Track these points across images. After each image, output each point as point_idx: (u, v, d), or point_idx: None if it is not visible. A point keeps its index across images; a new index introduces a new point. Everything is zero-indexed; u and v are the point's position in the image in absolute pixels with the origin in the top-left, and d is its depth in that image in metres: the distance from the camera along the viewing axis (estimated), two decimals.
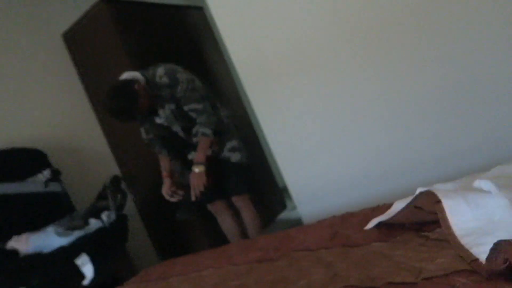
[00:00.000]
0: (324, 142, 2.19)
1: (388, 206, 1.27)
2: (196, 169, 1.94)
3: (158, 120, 2.03)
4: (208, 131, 1.98)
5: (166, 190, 2.03)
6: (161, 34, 2.95)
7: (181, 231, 2.68)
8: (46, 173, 2.28)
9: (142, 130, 2.09)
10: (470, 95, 1.75)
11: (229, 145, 2.13)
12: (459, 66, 1.74)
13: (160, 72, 1.94)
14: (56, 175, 2.32)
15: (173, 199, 2.04)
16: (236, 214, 2.25)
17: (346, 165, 2.15)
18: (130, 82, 1.88)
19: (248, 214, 2.19)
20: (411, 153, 1.95)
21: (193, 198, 1.95)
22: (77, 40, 2.82)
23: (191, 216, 2.08)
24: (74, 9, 2.95)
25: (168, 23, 3.06)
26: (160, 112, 1.98)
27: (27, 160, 2.26)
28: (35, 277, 1.66)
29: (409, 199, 1.08)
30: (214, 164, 2.09)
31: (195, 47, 3.24)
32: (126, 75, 1.93)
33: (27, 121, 2.49)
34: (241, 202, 2.17)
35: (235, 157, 2.13)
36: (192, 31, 3.28)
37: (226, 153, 2.12)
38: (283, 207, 3.48)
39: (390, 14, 1.84)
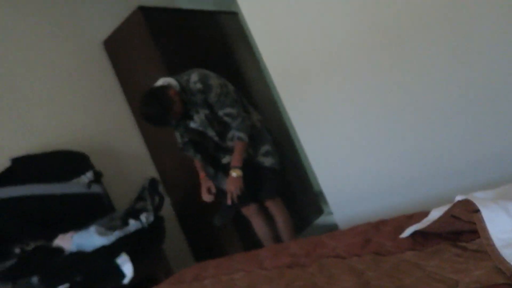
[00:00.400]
0: (359, 147, 2.16)
1: (424, 214, 1.24)
2: (234, 174, 1.99)
3: (193, 125, 2.07)
4: (243, 135, 2.01)
5: (204, 190, 2.08)
6: (196, 40, 3.02)
7: (216, 234, 2.72)
8: (89, 175, 2.39)
9: (177, 135, 2.15)
10: (507, 96, 1.68)
11: (262, 149, 2.14)
12: (491, 68, 1.68)
13: (194, 78, 1.98)
14: (98, 177, 2.43)
15: (210, 200, 2.07)
16: (269, 218, 2.26)
17: (382, 169, 2.11)
18: (165, 88, 1.93)
19: (281, 218, 2.19)
20: (448, 158, 1.89)
21: (229, 202, 1.99)
22: (116, 47, 2.94)
23: (228, 221, 2.12)
24: (114, 17, 3.09)
25: (203, 28, 3.13)
26: (195, 117, 2.02)
27: (72, 162, 2.39)
28: (79, 274, 1.75)
29: (446, 208, 1.05)
30: (248, 168, 2.11)
31: (229, 52, 3.29)
32: (161, 81, 1.99)
33: (72, 125, 2.62)
34: (274, 206, 2.18)
35: (268, 161, 2.14)
36: (226, 36, 3.33)
37: (259, 158, 2.14)
38: (320, 212, 3.45)
39: (422, 21, 1.80)
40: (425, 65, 1.85)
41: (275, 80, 2.37)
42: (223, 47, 3.24)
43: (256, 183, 2.14)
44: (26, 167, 2.20)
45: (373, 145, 2.10)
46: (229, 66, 3.20)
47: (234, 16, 3.52)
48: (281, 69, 2.32)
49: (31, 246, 1.90)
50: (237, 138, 2.02)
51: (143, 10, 2.73)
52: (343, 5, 2.02)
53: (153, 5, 2.99)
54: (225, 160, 2.17)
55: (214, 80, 2.00)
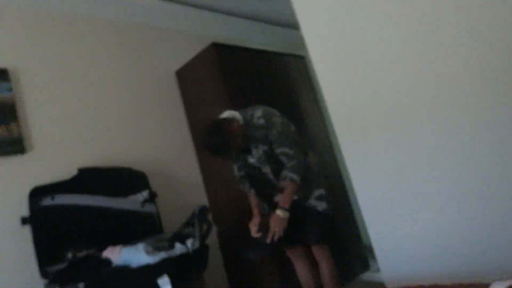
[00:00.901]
0: (418, 205, 2.06)
1: (484, 286, 1.15)
2: (280, 213, 1.97)
3: (251, 160, 2.11)
4: (296, 177, 2.00)
5: (254, 224, 2.07)
6: (263, 78, 3.13)
7: (257, 271, 2.68)
8: (144, 194, 2.49)
9: (235, 167, 2.19)
10: None
11: (316, 193, 2.12)
12: None
13: (258, 113, 2.03)
14: (152, 197, 2.53)
15: (258, 235, 2.06)
16: (314, 264, 2.20)
17: (439, 232, 1.99)
18: (229, 120, 2.00)
19: (326, 266, 2.12)
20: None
21: (268, 240, 1.96)
22: (187, 78, 3.12)
23: (263, 258, 2.09)
24: (188, 50, 3.31)
25: (270, 68, 3.25)
26: (254, 152, 2.06)
27: (131, 180, 2.51)
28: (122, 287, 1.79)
29: (508, 283, 0.97)
30: (299, 210, 2.09)
31: (292, 93, 3.36)
32: (226, 114, 2.07)
33: (136, 145, 2.78)
34: (321, 253, 2.12)
35: (321, 206, 2.11)
36: (291, 78, 3.42)
37: (312, 201, 2.12)
38: (367, 267, 3.29)
39: (493, 73, 1.74)
40: (498, 121, 1.76)
41: (335, 126, 2.37)
42: (287, 88, 3.33)
43: (305, 226, 2.11)
44: (90, 178, 2.35)
45: (432, 205, 2.00)
46: (291, 107, 3.27)
47: (301, 60, 3.62)
48: (343, 116, 2.32)
49: (82, 253, 1.98)
50: (289, 178, 2.02)
51: (216, 46, 2.90)
52: (412, 56, 2.02)
53: (226, 42, 3.18)
54: (277, 198, 2.17)
55: (277, 118, 2.05)
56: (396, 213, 2.15)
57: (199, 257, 2.09)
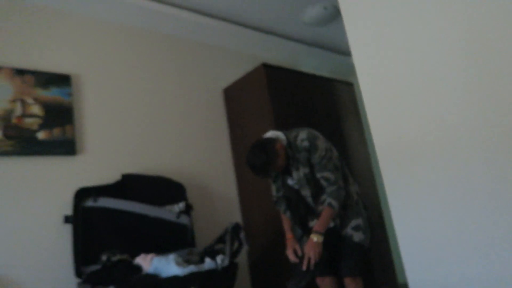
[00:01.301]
0: (462, 249, 1.94)
1: None
2: (315, 238, 1.93)
3: (290, 181, 2.10)
4: (335, 203, 1.97)
5: (291, 251, 2.04)
6: (309, 102, 3.13)
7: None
8: (181, 205, 2.54)
9: (273, 187, 2.17)
10: None
11: (354, 222, 2.06)
12: None
13: (302, 135, 2.03)
14: (188, 209, 2.56)
15: (296, 260, 2.03)
16: None
17: (482, 279, 1.85)
18: (273, 141, 2.00)
19: None
20: None
21: (304, 267, 1.91)
22: (234, 96, 3.18)
23: (303, 286, 2.02)
24: (238, 69, 3.39)
25: (317, 93, 3.24)
26: (294, 174, 2.04)
27: (170, 190, 2.57)
28: None
29: None
30: (334, 238, 2.03)
31: (338, 119, 3.33)
32: (270, 134, 2.08)
33: (178, 156, 2.85)
34: (355, 286, 2.04)
35: (358, 236, 2.04)
36: (337, 103, 3.39)
37: (349, 230, 2.06)
38: None
39: None
40: None
41: (379, 157, 2.31)
42: (333, 114, 3.30)
43: (339, 256, 2.04)
44: (132, 184, 2.43)
45: (480, 253, 1.87)
46: (335, 133, 3.23)
47: (349, 86, 3.59)
48: (387, 147, 2.26)
49: (116, 257, 2.03)
50: (327, 204, 1.98)
51: (266, 67, 2.94)
52: (463, 92, 1.94)
53: (276, 64, 3.22)
54: (312, 223, 2.13)
55: (321, 142, 2.03)
56: (436, 254, 2.03)
57: (227, 274, 2.08)
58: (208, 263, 2.05)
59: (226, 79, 3.33)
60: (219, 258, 2.07)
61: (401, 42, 2.21)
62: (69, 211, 2.21)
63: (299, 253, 2.02)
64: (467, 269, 1.92)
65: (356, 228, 2.05)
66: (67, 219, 2.18)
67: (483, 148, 1.88)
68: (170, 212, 2.48)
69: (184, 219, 2.49)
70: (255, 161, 1.95)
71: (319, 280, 2.13)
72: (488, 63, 1.87)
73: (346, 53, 4.24)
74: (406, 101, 2.19)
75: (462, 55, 1.95)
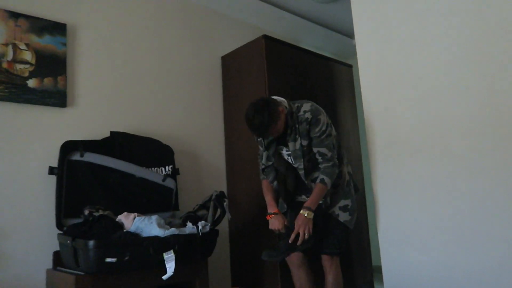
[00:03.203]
0: (439, 238, 1.99)
1: None
2: (305, 214, 1.93)
3: (284, 152, 2.09)
4: (327, 180, 1.97)
5: (278, 225, 1.99)
6: (306, 79, 3.10)
7: (259, 265, 2.68)
8: (168, 169, 2.54)
9: (264, 155, 2.12)
10: None
11: (342, 202, 2.08)
12: None
13: (306, 107, 2.00)
14: (175, 173, 2.57)
15: (281, 230, 2.00)
16: (310, 274, 2.14)
17: (450, 268, 1.92)
18: (277, 103, 1.97)
19: (334, 278, 2.07)
20: None
21: (290, 241, 1.91)
22: (231, 64, 3.14)
23: (278, 260, 2.04)
24: (238, 39, 3.34)
25: (316, 71, 3.21)
26: (290, 144, 2.02)
27: (158, 152, 2.56)
28: (128, 254, 1.83)
29: None
30: (320, 215, 2.05)
31: (333, 99, 3.32)
32: (275, 97, 2.05)
33: (169, 119, 2.83)
34: (331, 264, 2.07)
35: (344, 216, 2.06)
36: (334, 84, 3.37)
37: (336, 210, 2.07)
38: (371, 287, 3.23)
39: None
40: None
41: (368, 140, 2.33)
42: (329, 94, 3.29)
43: (321, 233, 2.07)
44: (120, 142, 2.41)
45: (455, 242, 1.92)
46: (329, 113, 3.21)
47: (348, 69, 3.57)
48: (378, 133, 2.28)
49: (99, 212, 2.04)
50: (320, 180, 1.97)
51: (266, 38, 2.89)
52: (465, 88, 1.95)
53: (277, 37, 3.17)
54: (301, 198, 2.15)
55: (324, 117, 2.02)
56: (413, 242, 2.09)
57: (207, 240, 2.11)
58: (189, 228, 2.08)
59: (225, 47, 3.27)
60: (200, 224, 2.10)
61: (406, 31, 2.19)
62: (54, 162, 2.19)
63: (284, 227, 1.99)
64: (440, 256, 1.98)
65: (344, 209, 2.07)
66: (51, 170, 2.17)
67: (469, 144, 1.90)
68: (157, 174, 2.48)
69: (170, 183, 2.50)
70: (255, 118, 1.90)
71: (292, 256, 2.12)
72: (487, 59, 1.87)
73: (349, 34, 4.19)
74: (403, 90, 2.19)
75: (464, 51, 1.94)
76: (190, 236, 2.04)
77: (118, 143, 2.41)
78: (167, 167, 2.55)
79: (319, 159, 2.00)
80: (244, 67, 3.02)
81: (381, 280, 2.35)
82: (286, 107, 1.99)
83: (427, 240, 2.04)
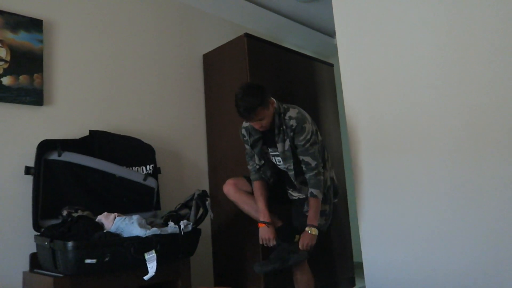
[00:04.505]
0: (420, 235, 2.02)
1: None
2: (310, 231, 1.99)
3: (272, 153, 2.10)
4: (317, 191, 2.00)
5: (268, 236, 2.03)
6: (288, 78, 3.11)
7: (242, 266, 2.67)
8: (149, 168, 2.51)
9: (256, 157, 2.13)
10: None
11: (322, 207, 2.08)
12: None
13: (292, 113, 2.00)
14: (156, 172, 2.54)
15: (269, 245, 2.06)
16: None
17: (437, 266, 1.95)
18: (269, 94, 1.99)
19: (303, 278, 2.07)
20: None
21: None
22: (213, 62, 3.12)
23: (269, 271, 2.03)
24: (219, 37, 3.32)
25: (297, 70, 3.22)
26: (279, 145, 2.02)
27: (139, 151, 2.52)
28: (108, 255, 1.80)
29: None
30: (297, 209, 2.09)
31: (314, 98, 3.34)
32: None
33: (150, 118, 2.79)
34: (299, 265, 2.06)
35: (319, 221, 2.07)
36: (316, 83, 3.39)
37: None
38: (352, 284, 3.27)
39: None
40: None
41: (350, 139, 2.35)
42: (310, 93, 3.30)
43: (293, 222, 2.10)
44: (99, 142, 2.36)
45: (437, 242, 1.96)
46: (310, 112, 3.24)
47: (329, 68, 3.59)
48: (361, 131, 2.30)
49: (78, 213, 2.00)
50: (310, 194, 2.00)
51: (248, 37, 2.89)
52: (446, 83, 1.98)
53: (259, 35, 3.17)
54: (292, 196, 2.19)
55: (309, 125, 2.01)
56: (394, 239, 2.12)
57: (189, 240, 2.09)
58: (171, 227, 2.06)
59: (207, 45, 3.25)
60: (182, 223, 2.08)
61: (388, 30, 2.21)
62: (31, 162, 2.13)
63: (274, 243, 2.04)
64: (421, 252, 2.01)
65: (321, 213, 2.07)
66: (27, 170, 2.11)
67: (450, 143, 1.94)
68: (138, 173, 2.44)
69: (151, 182, 2.46)
70: (244, 97, 1.89)
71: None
72: (470, 58, 1.91)
73: (330, 33, 4.22)
74: (384, 89, 2.22)
75: (450, 50, 1.98)
76: (172, 235, 2.02)
77: (98, 142, 2.36)
78: (148, 166, 2.52)
79: (304, 167, 2.02)
80: (226, 65, 3.00)
81: (362, 277, 2.38)
82: (274, 104, 2.01)
83: (408, 237, 2.07)
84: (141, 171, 2.48)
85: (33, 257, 2.03)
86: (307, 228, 2.00)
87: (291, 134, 1.98)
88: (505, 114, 1.75)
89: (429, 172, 2.00)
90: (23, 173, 2.12)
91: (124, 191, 2.35)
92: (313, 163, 2.00)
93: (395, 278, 2.09)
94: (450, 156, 1.92)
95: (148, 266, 1.88)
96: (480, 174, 1.82)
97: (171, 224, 2.09)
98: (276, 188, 2.20)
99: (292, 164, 2.02)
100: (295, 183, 2.07)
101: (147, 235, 1.93)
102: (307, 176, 2.01)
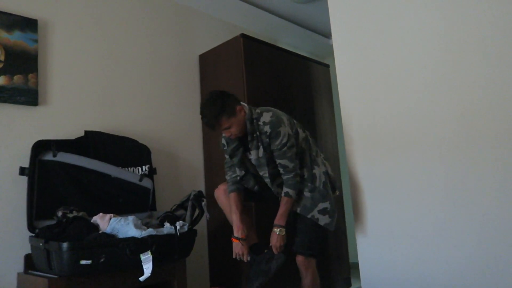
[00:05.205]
0: (416, 235, 2.03)
1: None
2: (277, 232, 1.96)
3: (249, 156, 2.07)
4: (292, 192, 1.97)
5: (242, 251, 2.02)
6: (283, 78, 3.12)
7: (238, 266, 2.67)
8: (144, 168, 2.50)
9: (237, 169, 2.10)
10: None
11: (321, 205, 2.01)
12: None
13: (266, 118, 1.95)
14: (152, 173, 2.53)
15: (243, 260, 2.04)
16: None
17: (433, 266, 1.96)
18: (236, 100, 1.96)
19: (311, 280, 2.03)
20: None
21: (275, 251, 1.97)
22: (209, 63, 3.12)
23: (264, 282, 2.02)
24: (215, 37, 3.32)
25: (293, 70, 3.23)
26: (253, 152, 2.00)
27: (135, 152, 2.51)
28: (103, 256, 1.79)
29: None
30: (300, 221, 2.04)
31: (310, 98, 3.34)
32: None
33: (146, 118, 2.78)
34: (307, 266, 2.02)
35: (324, 220, 2.00)
36: (312, 83, 3.40)
37: (315, 214, 2.00)
38: (348, 284, 3.27)
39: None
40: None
41: (346, 138, 2.36)
42: (306, 93, 3.31)
43: (298, 235, 2.04)
44: (95, 142, 2.35)
45: (433, 241, 1.96)
46: (306, 113, 3.25)
47: (325, 68, 3.60)
48: (357, 131, 2.30)
49: (73, 214, 1.98)
50: (284, 193, 1.97)
51: (244, 37, 2.89)
52: (439, 86, 1.99)
53: (255, 36, 3.17)
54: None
55: (284, 128, 1.95)
56: (390, 239, 2.12)
57: (185, 240, 2.09)
58: (167, 228, 2.05)
59: (203, 45, 3.25)
60: (178, 224, 2.07)
61: (383, 31, 2.22)
62: (25, 163, 2.12)
63: (247, 258, 2.03)
64: (417, 252, 2.02)
65: (323, 212, 2.01)
66: (22, 171, 2.09)
67: (445, 141, 1.95)
68: (133, 174, 2.43)
69: (147, 182, 2.46)
70: (206, 106, 1.89)
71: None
72: (465, 58, 1.92)
73: (326, 34, 4.23)
74: (380, 89, 2.22)
75: (441, 50, 1.99)
76: (168, 236, 2.01)
77: (93, 143, 2.35)
78: (144, 166, 2.51)
79: (281, 170, 1.98)
80: (222, 66, 3.00)
81: (358, 277, 2.38)
82: (245, 111, 1.98)
83: (404, 237, 2.07)
84: (137, 172, 2.47)
85: (28, 258, 2.01)
86: (273, 229, 1.97)
87: (267, 140, 1.95)
88: (499, 115, 1.77)
89: (425, 172, 2.01)
90: (18, 173, 2.10)
91: (119, 192, 2.34)
92: (291, 165, 1.97)
93: (391, 278, 2.09)
94: (445, 156, 1.93)
95: (144, 267, 1.87)
96: (475, 174, 1.83)
97: (167, 225, 2.09)
98: (265, 191, 2.16)
99: (267, 171, 2.00)
100: (272, 189, 2.05)
101: (142, 236, 1.92)
102: (284, 178, 1.98)
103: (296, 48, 4.21)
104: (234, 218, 2.05)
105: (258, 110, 2.00)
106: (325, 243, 2.07)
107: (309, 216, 2.00)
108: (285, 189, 1.98)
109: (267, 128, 1.93)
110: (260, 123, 1.95)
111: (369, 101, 2.26)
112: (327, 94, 3.55)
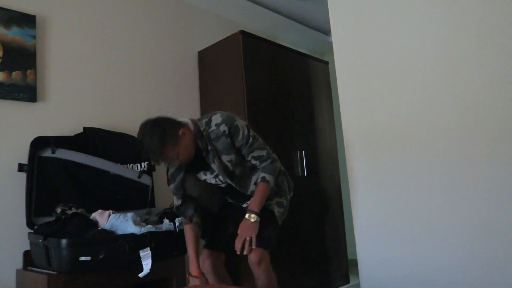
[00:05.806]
0: (415, 232, 2.04)
1: None
2: (252, 219, 1.75)
3: (208, 176, 1.87)
4: (270, 177, 1.81)
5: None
6: (282, 74, 3.11)
7: (236, 260, 2.67)
8: (143, 165, 2.50)
9: (175, 193, 1.89)
10: None
11: (278, 200, 1.92)
12: None
13: (217, 119, 1.77)
14: (150, 169, 2.53)
15: None
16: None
17: (430, 264, 1.97)
18: (175, 123, 1.72)
19: (264, 276, 1.81)
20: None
21: (238, 252, 1.77)
22: (208, 59, 3.11)
23: None
24: (215, 34, 3.31)
25: (292, 67, 3.22)
26: (214, 166, 1.80)
27: (133, 148, 2.50)
28: (102, 252, 1.79)
29: None
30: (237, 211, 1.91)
31: (310, 96, 3.34)
32: (181, 118, 1.81)
33: (145, 115, 2.74)
34: (259, 260, 1.78)
35: (277, 211, 1.90)
36: (311, 80, 3.40)
37: (273, 204, 1.91)
38: (347, 281, 3.29)
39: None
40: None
41: (345, 136, 2.36)
42: (305, 90, 3.30)
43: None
44: (94, 139, 2.35)
45: (431, 238, 1.97)
46: (305, 109, 3.25)
47: (324, 65, 3.60)
48: (354, 128, 2.31)
49: (72, 210, 1.98)
50: (261, 178, 1.80)
51: (243, 34, 2.88)
52: (438, 86, 1.99)
53: (254, 32, 3.16)
54: (245, 205, 1.95)
55: (240, 121, 1.80)
56: (388, 236, 2.13)
57: (184, 237, 2.08)
58: (166, 224, 2.05)
59: (202, 42, 3.24)
60: (177, 221, 2.07)
61: (383, 28, 2.22)
62: (24, 159, 2.12)
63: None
64: (415, 249, 2.03)
65: (278, 205, 1.92)
66: (21, 168, 2.09)
67: (443, 140, 1.95)
68: (132, 170, 2.43)
69: (145, 179, 2.46)
70: (146, 144, 1.63)
71: (207, 258, 1.94)
72: (462, 58, 1.92)
73: (325, 31, 4.22)
74: (379, 87, 2.22)
75: (439, 49, 1.99)
76: (167, 233, 2.01)
77: (92, 139, 2.34)
78: (142, 163, 2.51)
79: (256, 163, 1.83)
80: (221, 62, 2.99)
81: (356, 274, 2.39)
82: (191, 129, 1.75)
83: (402, 234, 2.08)
84: (136, 169, 2.47)
85: (27, 255, 2.02)
86: (246, 215, 1.75)
87: (228, 140, 1.75)
88: (497, 115, 1.77)
89: (423, 170, 2.01)
90: (16, 170, 2.10)
91: (118, 189, 2.34)
92: (264, 153, 1.83)
93: (389, 275, 2.10)
94: (443, 155, 1.94)
95: (143, 263, 1.87)
96: (472, 173, 1.83)
97: (166, 221, 2.09)
98: (227, 208, 2.02)
99: (232, 180, 1.83)
100: (248, 192, 1.88)
101: (141, 232, 1.92)
102: (261, 167, 1.83)
103: (295, 45, 4.20)
104: (190, 252, 1.87)
105: (205, 120, 1.82)
106: (278, 238, 1.92)
107: (265, 204, 1.86)
108: (261, 174, 1.82)
109: (223, 128, 1.75)
110: (212, 127, 1.76)
111: (368, 98, 2.26)
112: (326, 91, 3.55)
